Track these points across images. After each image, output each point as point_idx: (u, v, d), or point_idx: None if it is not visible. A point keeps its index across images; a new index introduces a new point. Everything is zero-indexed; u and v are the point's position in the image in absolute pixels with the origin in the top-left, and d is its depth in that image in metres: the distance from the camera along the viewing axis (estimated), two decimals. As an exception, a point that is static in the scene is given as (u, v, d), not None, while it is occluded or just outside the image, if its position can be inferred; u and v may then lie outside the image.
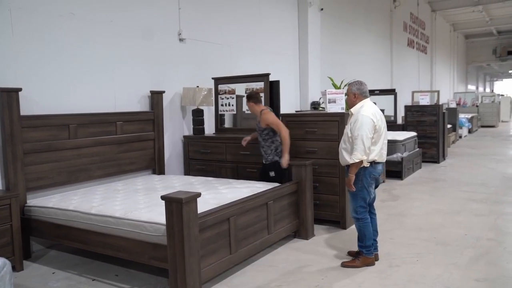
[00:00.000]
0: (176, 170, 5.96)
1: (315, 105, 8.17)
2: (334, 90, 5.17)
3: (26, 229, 4.07)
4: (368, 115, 3.75)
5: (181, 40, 6.02)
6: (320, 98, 8.13)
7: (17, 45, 4.20)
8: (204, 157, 5.77)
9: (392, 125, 9.74)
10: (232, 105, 5.93)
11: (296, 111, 7.39)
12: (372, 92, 10.02)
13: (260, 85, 5.54)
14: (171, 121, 5.91)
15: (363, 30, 12.03)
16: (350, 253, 4.14)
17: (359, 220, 3.89)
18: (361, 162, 3.73)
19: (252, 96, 4.83)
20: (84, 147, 4.65)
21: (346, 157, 3.82)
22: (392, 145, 7.99)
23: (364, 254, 3.88)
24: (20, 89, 4.05)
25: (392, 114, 10.06)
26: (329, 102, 5.05)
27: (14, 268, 3.58)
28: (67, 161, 4.50)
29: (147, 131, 5.42)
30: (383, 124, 3.86)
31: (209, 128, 6.30)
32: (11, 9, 4.14)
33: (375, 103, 3.99)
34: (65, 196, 4.27)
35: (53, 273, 3.87)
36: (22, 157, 4.09)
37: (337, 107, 4.98)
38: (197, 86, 5.88)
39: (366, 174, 3.81)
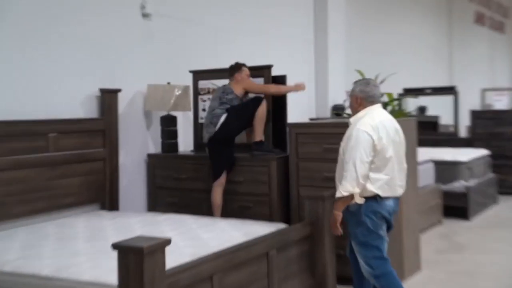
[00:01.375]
0: (136, 204, 5.98)
1: (337, 110, 8.14)
2: None
3: None
4: (366, 129, 3.82)
5: (145, 15, 6.07)
6: (344, 101, 8.12)
7: None
8: (178, 185, 5.77)
9: (451, 139, 9.69)
10: None
11: (311, 119, 7.39)
12: (422, 92, 10.07)
13: (258, 81, 5.61)
14: (129, 132, 5.92)
15: (408, 5, 12.12)
16: None
17: (379, 278, 3.94)
18: (352, 196, 3.80)
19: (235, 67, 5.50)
20: None
21: (342, 191, 3.90)
22: (452, 169, 7.96)
23: None
24: None
25: (451, 122, 10.03)
26: None
27: None
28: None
29: (95, 147, 5.42)
30: (394, 142, 3.94)
31: (185, 143, 6.33)
32: None
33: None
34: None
35: None
36: None
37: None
38: (168, 83, 5.93)
39: (369, 213, 3.89)
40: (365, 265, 3.97)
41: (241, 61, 5.68)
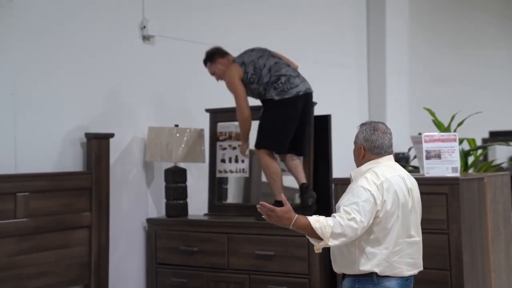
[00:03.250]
0: (131, 286, 5.95)
1: (400, 161, 8.05)
2: (437, 134, 5.11)
3: None
4: (370, 188, 3.74)
5: (145, 38, 6.12)
6: (409, 149, 8.00)
7: None
8: (187, 261, 5.71)
9: None
10: (243, 162, 6.04)
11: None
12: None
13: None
14: (124, 190, 5.93)
15: (497, 16, 12.18)
16: None
17: None
18: (314, 235, 3.66)
19: (215, 53, 5.78)
20: None
21: (334, 263, 4.00)
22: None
23: None
24: None
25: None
26: (427, 158, 4.99)
27: None
28: None
29: (78, 210, 5.39)
30: (403, 207, 3.86)
31: (198, 204, 6.26)
32: None
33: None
34: None
35: None
36: None
37: (444, 166, 4.90)
38: (176, 125, 5.95)
39: None
40: None
41: None
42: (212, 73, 5.80)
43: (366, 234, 3.77)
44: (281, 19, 7.54)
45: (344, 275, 3.94)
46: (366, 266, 3.76)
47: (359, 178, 3.86)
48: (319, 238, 3.63)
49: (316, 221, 3.60)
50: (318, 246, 3.72)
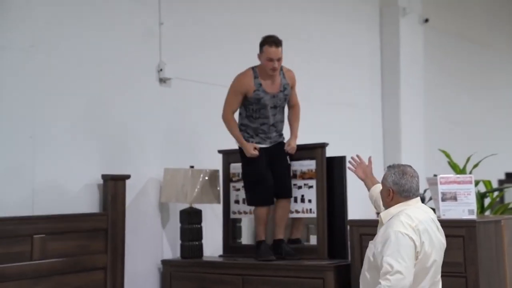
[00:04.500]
0: None
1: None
2: (452, 176, 5.10)
3: None
4: (406, 231, 3.72)
5: (162, 80, 6.15)
6: (425, 191, 7.95)
7: None
8: None
9: None
10: None
11: (377, 213, 7.27)
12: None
13: (308, 165, 5.68)
14: (139, 232, 5.90)
15: (509, 55, 12.16)
16: None
17: None
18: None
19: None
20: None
21: None
22: None
23: None
24: None
25: None
26: (443, 199, 4.96)
27: None
28: None
29: (94, 252, 5.38)
30: (434, 247, 3.84)
31: (213, 245, 6.27)
32: None
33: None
34: None
35: None
36: None
37: (460, 208, 4.88)
38: (191, 167, 5.98)
39: None
40: None
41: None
42: (279, 59, 5.58)
43: None
44: (294, 59, 7.54)
45: None
46: None
47: (392, 220, 3.84)
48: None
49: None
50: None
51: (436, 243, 3.85)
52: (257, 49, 5.84)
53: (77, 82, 5.54)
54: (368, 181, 4.63)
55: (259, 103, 5.53)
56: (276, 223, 5.65)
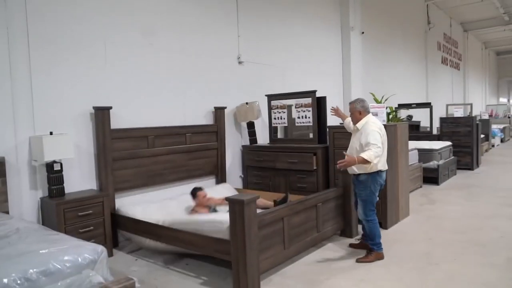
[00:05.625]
0: (236, 175, 5.96)
1: None
2: (376, 105, 5.08)
3: (114, 223, 4.26)
4: (375, 129, 3.72)
5: (240, 63, 6.09)
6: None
7: (108, 72, 4.43)
8: (259, 164, 5.68)
9: (428, 135, 9.45)
10: (284, 118, 5.88)
11: (341, 123, 7.32)
12: (410, 106, 9.81)
13: (308, 100, 5.50)
14: (231, 132, 5.91)
15: (400, 51, 11.74)
16: (351, 245, 4.21)
17: (369, 222, 3.88)
18: (366, 162, 3.56)
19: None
20: (160, 155, 4.79)
21: (354, 167, 3.78)
22: (428, 154, 7.80)
23: (375, 250, 3.88)
24: (111, 107, 4.29)
25: (428, 125, 9.74)
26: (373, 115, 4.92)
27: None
28: (146, 167, 4.66)
29: (211, 141, 5.45)
30: (385, 137, 3.85)
31: (263, 138, 6.31)
32: (105, 43, 4.41)
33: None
34: (146, 207, 4.33)
35: (135, 259, 4.04)
36: (111, 164, 4.31)
37: (380, 119, 4.81)
38: (246, 103, 5.85)
39: (374, 181, 3.80)
40: (362, 213, 3.91)
41: (295, 87, 5.56)
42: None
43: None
44: (300, 56, 7.57)
45: (356, 175, 3.85)
46: (377, 166, 3.74)
47: (365, 126, 3.76)
48: (368, 162, 3.58)
49: (365, 155, 3.54)
50: (369, 166, 3.67)
51: (385, 135, 3.87)
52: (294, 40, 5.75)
53: (192, 66, 5.32)
54: (342, 117, 4.32)
55: None
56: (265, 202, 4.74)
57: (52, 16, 3.96)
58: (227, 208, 4.13)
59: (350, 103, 3.97)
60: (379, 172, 3.79)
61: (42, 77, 3.89)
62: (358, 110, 3.88)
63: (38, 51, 3.86)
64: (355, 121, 3.90)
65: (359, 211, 4.01)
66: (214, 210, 4.48)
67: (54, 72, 3.98)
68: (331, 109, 4.45)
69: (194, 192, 4.65)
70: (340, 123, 4.64)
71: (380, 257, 3.87)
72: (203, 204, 4.54)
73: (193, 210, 4.53)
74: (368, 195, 3.83)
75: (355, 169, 3.82)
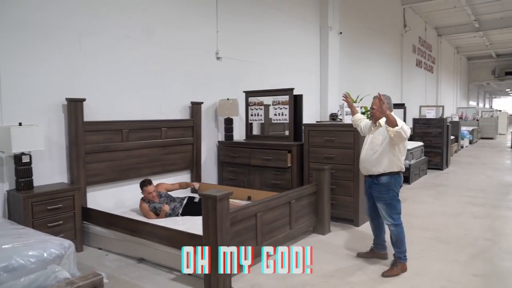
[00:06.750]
0: (211, 171, 5.92)
1: (333, 116, 8.00)
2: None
3: (85, 217, 4.14)
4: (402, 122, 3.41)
5: (218, 58, 6.02)
6: (338, 111, 7.96)
7: (83, 63, 4.31)
8: (234, 161, 5.63)
9: (401, 136, 9.63)
10: (260, 115, 5.85)
11: (317, 121, 7.34)
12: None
13: (285, 98, 5.48)
14: (207, 128, 5.86)
15: (377, 52, 11.87)
16: (359, 255, 3.91)
17: (397, 226, 3.53)
18: (394, 123, 3.22)
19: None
20: (134, 149, 4.71)
21: (379, 167, 3.47)
22: (400, 153, 7.97)
23: (402, 261, 3.53)
24: (84, 99, 4.17)
25: (401, 125, 9.93)
26: (346, 114, 5.00)
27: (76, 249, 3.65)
28: (119, 160, 4.57)
29: (187, 136, 5.40)
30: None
31: (240, 135, 6.26)
32: (80, 33, 4.27)
33: None
34: (119, 203, 4.28)
35: (106, 255, 3.95)
36: (83, 157, 4.20)
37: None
38: (227, 99, 5.83)
39: (396, 183, 3.52)
40: (389, 218, 3.53)
41: (273, 84, 5.45)
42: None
43: (403, 148, 3.47)
44: (280, 55, 7.55)
45: (376, 176, 3.52)
46: (400, 166, 3.50)
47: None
48: (395, 125, 3.23)
49: (397, 118, 3.25)
50: (393, 129, 3.24)
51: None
52: (270, 35, 5.66)
53: (170, 60, 5.27)
54: (353, 110, 4.02)
55: None
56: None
57: (20, 0, 3.80)
58: (167, 211, 4.15)
59: (376, 99, 3.51)
60: (399, 172, 3.52)
61: (9, 65, 3.72)
62: (388, 107, 3.47)
63: (3, 38, 3.68)
64: (378, 117, 3.57)
65: (383, 217, 3.61)
66: (155, 208, 4.30)
67: (22, 61, 3.82)
68: (343, 96, 4.16)
69: (141, 186, 4.40)
70: (317, 121, 4.64)
71: (405, 268, 3.52)
72: (148, 199, 4.37)
73: (142, 200, 4.37)
74: (392, 197, 3.50)
75: (379, 169, 3.48)
